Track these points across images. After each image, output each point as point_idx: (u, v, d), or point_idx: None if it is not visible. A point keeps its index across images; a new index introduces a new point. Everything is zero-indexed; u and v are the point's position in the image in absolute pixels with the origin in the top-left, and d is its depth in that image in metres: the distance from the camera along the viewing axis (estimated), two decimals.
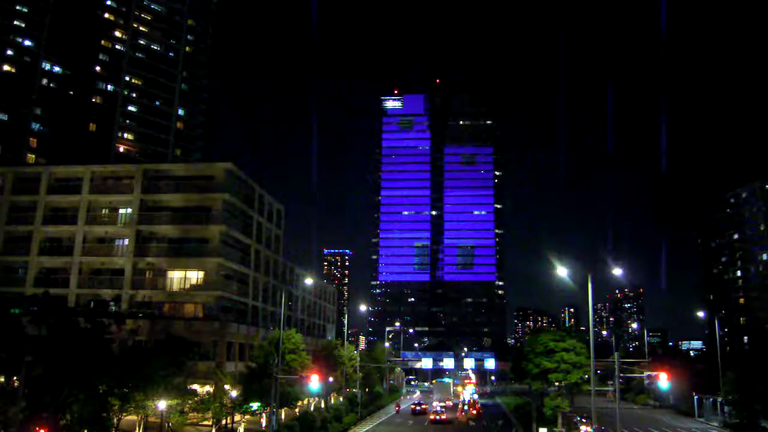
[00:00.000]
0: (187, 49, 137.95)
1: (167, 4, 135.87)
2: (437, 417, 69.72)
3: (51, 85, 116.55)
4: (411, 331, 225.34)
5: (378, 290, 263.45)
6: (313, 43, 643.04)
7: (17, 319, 39.68)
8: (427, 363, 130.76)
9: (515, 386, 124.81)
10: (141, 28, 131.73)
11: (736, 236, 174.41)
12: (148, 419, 46.57)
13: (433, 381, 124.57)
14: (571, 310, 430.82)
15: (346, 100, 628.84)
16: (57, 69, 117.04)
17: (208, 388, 52.92)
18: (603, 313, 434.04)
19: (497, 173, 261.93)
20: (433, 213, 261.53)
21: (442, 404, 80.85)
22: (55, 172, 70.44)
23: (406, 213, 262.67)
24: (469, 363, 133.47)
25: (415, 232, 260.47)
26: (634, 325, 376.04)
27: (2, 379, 40.22)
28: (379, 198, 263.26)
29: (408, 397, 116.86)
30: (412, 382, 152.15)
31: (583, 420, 57.46)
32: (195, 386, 50.86)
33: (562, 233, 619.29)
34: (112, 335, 44.82)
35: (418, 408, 79.76)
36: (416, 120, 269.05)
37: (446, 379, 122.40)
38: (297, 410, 62.64)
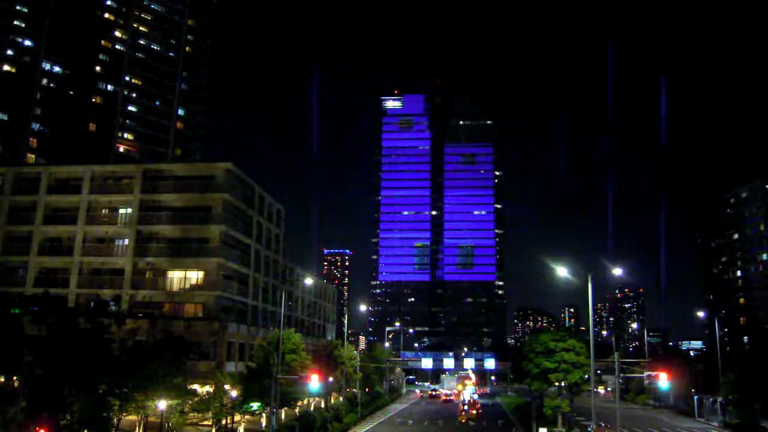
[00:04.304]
0: (187, 49, 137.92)
1: (167, 4, 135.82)
2: (447, 398, 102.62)
3: (51, 85, 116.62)
4: (411, 331, 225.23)
5: (378, 290, 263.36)
6: (313, 43, 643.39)
7: (17, 319, 39.68)
8: (427, 363, 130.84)
9: (515, 386, 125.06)
10: (141, 28, 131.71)
11: (736, 236, 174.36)
12: (148, 419, 46.52)
13: (445, 373, 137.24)
14: (571, 310, 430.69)
15: (346, 100, 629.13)
16: (57, 69, 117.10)
17: (208, 388, 52.85)
18: (603, 313, 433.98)
19: (497, 173, 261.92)
20: (433, 213, 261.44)
21: (449, 392, 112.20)
22: (55, 172, 70.39)
23: (406, 213, 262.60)
24: (469, 363, 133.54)
25: (415, 232, 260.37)
26: (634, 325, 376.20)
27: (2, 379, 40.20)
28: (379, 198, 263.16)
29: (407, 396, 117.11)
30: (413, 383, 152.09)
31: (600, 425, 55.22)
32: (195, 386, 50.76)
33: (562, 233, 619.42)
34: (112, 335, 44.81)
35: (434, 393, 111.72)
36: (416, 120, 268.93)
37: (450, 375, 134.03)
38: (297, 410, 62.61)
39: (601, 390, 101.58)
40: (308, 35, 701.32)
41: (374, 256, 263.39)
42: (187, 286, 64.90)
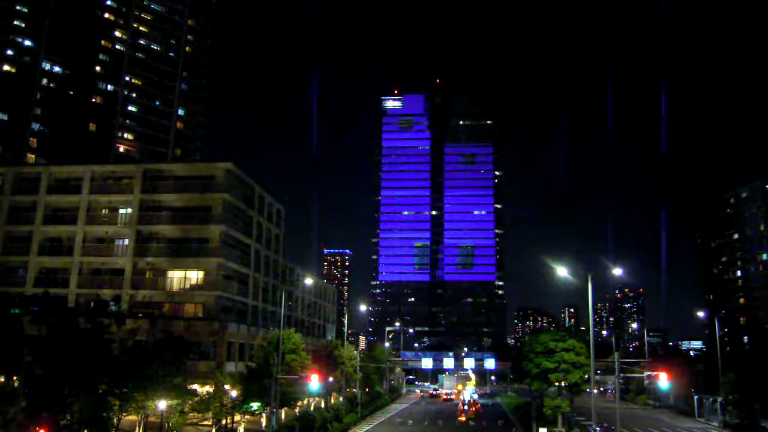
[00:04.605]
0: (187, 49, 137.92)
1: (167, 4, 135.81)
2: (447, 397, 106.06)
3: (51, 85, 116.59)
4: (411, 331, 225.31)
5: (378, 290, 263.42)
6: (313, 43, 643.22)
7: (17, 319, 39.70)
8: (427, 363, 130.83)
9: (515, 386, 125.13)
10: (141, 28, 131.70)
11: (736, 236, 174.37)
12: (148, 419, 46.54)
13: (444, 373, 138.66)
14: (571, 310, 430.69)
15: (346, 100, 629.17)
16: (57, 69, 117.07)
17: (208, 388, 52.87)
18: (603, 313, 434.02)
19: (497, 173, 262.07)
20: (433, 213, 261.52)
21: (449, 392, 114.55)
22: (55, 172, 70.37)
23: (406, 213, 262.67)
24: (469, 363, 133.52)
25: (415, 232, 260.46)
26: (634, 325, 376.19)
27: (2, 379, 40.21)
28: (379, 198, 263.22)
29: (407, 396, 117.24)
30: (413, 383, 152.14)
31: (604, 426, 55.20)
32: (195, 386, 50.76)
33: (562, 233, 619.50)
34: (112, 335, 44.77)
35: (434, 393, 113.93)
36: (416, 120, 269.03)
37: (450, 375, 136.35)
38: (297, 410, 62.62)
39: (595, 390, 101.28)
40: (308, 35, 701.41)
41: (374, 256, 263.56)
42: (187, 286, 64.90)
